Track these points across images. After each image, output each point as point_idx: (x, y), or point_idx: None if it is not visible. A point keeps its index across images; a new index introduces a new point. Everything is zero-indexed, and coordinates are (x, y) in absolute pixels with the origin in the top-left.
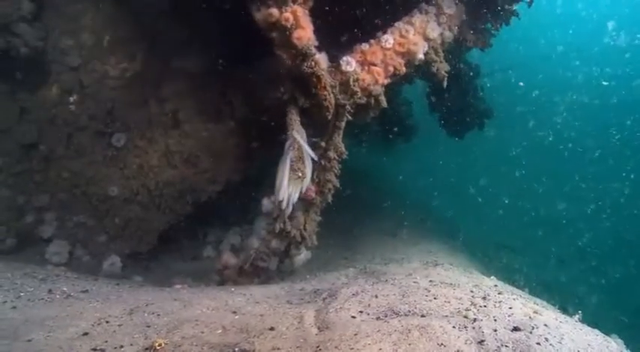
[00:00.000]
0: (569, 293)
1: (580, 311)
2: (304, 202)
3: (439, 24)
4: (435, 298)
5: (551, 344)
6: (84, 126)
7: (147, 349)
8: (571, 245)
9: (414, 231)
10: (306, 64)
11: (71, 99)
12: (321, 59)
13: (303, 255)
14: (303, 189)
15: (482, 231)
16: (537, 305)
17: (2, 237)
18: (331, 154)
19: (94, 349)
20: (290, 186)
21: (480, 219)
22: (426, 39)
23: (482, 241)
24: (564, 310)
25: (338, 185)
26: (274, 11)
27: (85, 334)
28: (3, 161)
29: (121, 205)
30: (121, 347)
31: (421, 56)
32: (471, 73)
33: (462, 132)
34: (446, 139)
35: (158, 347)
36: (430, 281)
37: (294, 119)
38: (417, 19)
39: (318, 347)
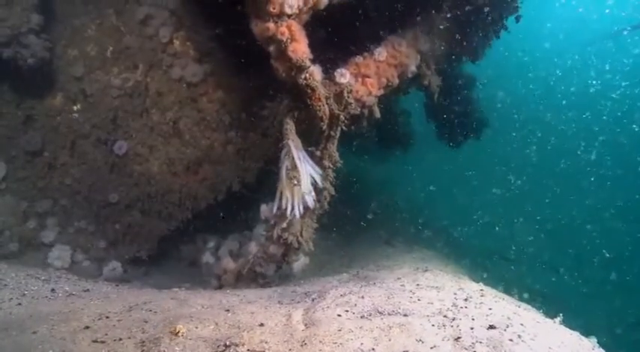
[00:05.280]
0: (562, 302)
1: (561, 314)
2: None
3: (431, 37)
4: (419, 300)
5: (523, 341)
6: (87, 134)
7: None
8: (566, 254)
9: (408, 239)
10: (301, 76)
11: (75, 107)
12: (316, 71)
13: (300, 261)
14: (307, 197)
15: (477, 239)
16: (520, 308)
17: (5, 242)
18: (326, 163)
19: (95, 341)
20: (288, 193)
21: (475, 228)
22: (418, 52)
23: (477, 250)
24: (552, 316)
25: (333, 192)
26: (271, 26)
27: (87, 328)
28: (8, 167)
29: (121, 211)
30: (120, 339)
31: (413, 68)
32: (468, 83)
33: (458, 141)
34: (443, 148)
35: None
36: (417, 284)
37: (290, 129)
38: (410, 32)
39: (303, 341)
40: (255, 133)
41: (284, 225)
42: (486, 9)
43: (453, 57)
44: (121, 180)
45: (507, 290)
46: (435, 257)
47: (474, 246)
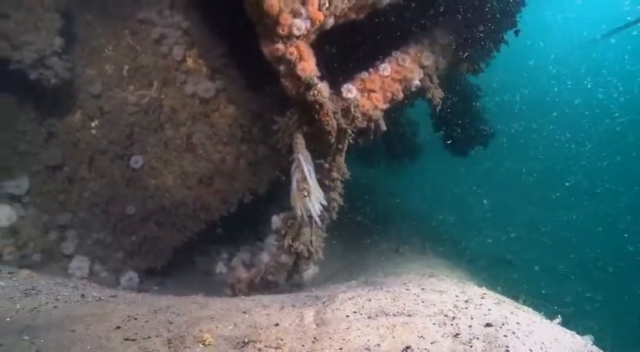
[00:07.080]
0: (569, 308)
1: (559, 316)
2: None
3: (433, 52)
4: (422, 302)
5: (517, 337)
6: (104, 150)
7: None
8: (572, 259)
9: (416, 247)
10: (309, 93)
11: (93, 124)
12: (324, 87)
13: (311, 270)
14: (316, 206)
15: (484, 246)
16: (519, 309)
17: (29, 253)
18: (334, 175)
19: (126, 339)
20: (300, 204)
21: (482, 235)
22: (421, 66)
23: (484, 257)
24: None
25: (342, 203)
26: (280, 46)
27: (118, 328)
28: (31, 182)
29: (138, 224)
30: (149, 337)
31: (417, 82)
32: (472, 94)
33: (465, 150)
34: (451, 158)
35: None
36: (422, 288)
37: (300, 143)
38: (412, 48)
39: (315, 338)
40: (266, 147)
41: (294, 234)
42: (486, 23)
43: (455, 70)
44: (137, 194)
45: (515, 296)
46: (441, 264)
47: (482, 254)
